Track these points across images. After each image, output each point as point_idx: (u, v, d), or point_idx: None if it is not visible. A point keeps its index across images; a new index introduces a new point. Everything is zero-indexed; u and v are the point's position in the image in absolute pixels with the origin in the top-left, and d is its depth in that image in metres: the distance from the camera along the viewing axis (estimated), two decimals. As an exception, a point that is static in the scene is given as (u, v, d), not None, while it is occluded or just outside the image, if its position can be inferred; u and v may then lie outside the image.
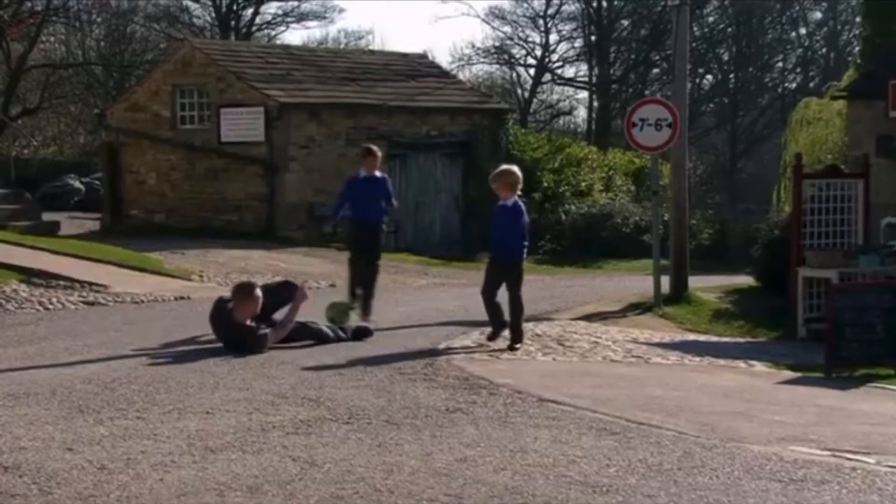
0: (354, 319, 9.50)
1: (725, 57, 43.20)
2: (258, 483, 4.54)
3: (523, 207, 8.72)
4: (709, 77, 43.66)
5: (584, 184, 24.45)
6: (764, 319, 11.49)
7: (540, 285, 14.70)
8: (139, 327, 9.60)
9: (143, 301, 11.78)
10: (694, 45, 34.90)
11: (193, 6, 37.50)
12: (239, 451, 5.05)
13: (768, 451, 5.45)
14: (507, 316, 8.68)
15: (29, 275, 12.25)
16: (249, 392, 6.49)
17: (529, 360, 8.30)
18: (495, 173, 8.71)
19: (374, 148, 10.84)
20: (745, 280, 14.12)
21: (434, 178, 22.27)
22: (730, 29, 42.05)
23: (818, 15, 43.79)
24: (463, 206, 22.42)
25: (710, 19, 41.83)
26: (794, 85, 43.24)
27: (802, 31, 43.67)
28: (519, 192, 8.66)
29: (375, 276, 10.43)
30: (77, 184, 25.19)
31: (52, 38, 34.18)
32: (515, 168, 8.76)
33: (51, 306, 10.98)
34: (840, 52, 41.85)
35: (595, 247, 21.53)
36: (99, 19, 33.57)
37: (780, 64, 44.10)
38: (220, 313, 8.29)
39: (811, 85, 39.27)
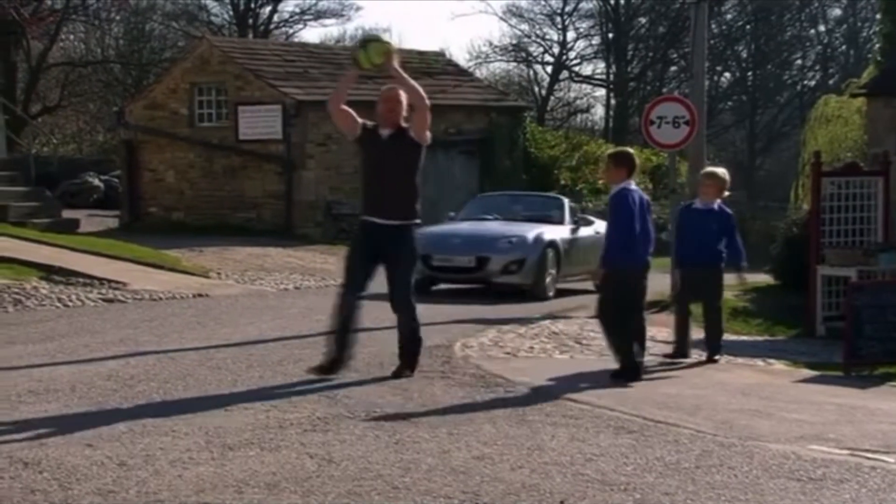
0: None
1: (744, 54, 42.98)
2: (276, 480, 4.56)
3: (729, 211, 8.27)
4: (727, 74, 43.45)
5: (601, 182, 24.39)
6: (782, 318, 11.43)
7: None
8: (157, 324, 9.65)
9: (161, 298, 11.83)
10: (712, 42, 34.76)
11: (212, 4, 37.63)
12: (257, 448, 5.07)
13: (787, 449, 5.43)
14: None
15: (49, 272, 12.33)
16: (266, 389, 6.51)
17: (546, 359, 8.29)
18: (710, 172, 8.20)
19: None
20: (763, 278, 14.06)
21: (451, 175, 22.27)
22: (748, 26, 41.84)
23: (837, 12, 43.53)
24: (480, 203, 22.41)
25: (729, 16, 41.63)
26: (813, 82, 42.98)
27: (821, 28, 43.40)
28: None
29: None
30: (96, 181, 25.30)
31: (71, 37, 34.38)
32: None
33: (70, 303, 11.04)
34: (859, 49, 41.56)
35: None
36: (118, 17, 33.70)
37: (799, 61, 43.84)
38: None
39: (830, 82, 39.02)
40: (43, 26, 27.25)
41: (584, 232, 14.19)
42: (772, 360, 8.81)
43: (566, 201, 15.02)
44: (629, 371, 7.21)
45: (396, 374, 6.98)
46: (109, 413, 5.76)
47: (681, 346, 8.28)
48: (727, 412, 6.32)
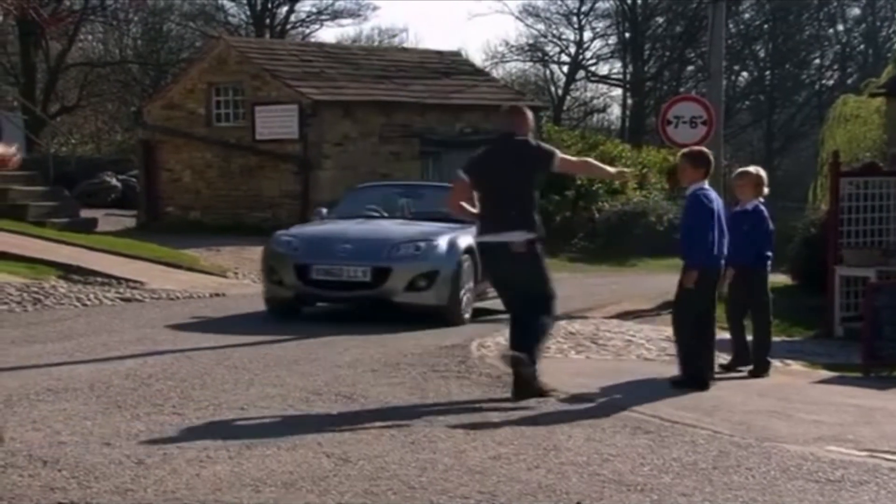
0: None
1: (762, 54, 42.79)
2: (293, 479, 4.57)
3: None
4: (744, 74, 43.27)
5: (617, 181, 24.32)
6: (800, 318, 11.38)
7: (573, 283, 14.66)
8: (175, 324, 9.68)
9: (178, 297, 11.88)
10: (729, 41, 34.60)
11: (229, 4, 37.75)
12: (274, 447, 5.08)
13: (805, 450, 5.41)
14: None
15: (67, 271, 12.40)
16: (284, 388, 6.53)
17: (563, 359, 8.28)
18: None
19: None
20: (780, 278, 14.01)
21: (467, 175, 22.23)
22: (766, 25, 41.64)
23: (856, 11, 43.27)
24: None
25: (746, 16, 41.43)
26: (831, 82, 42.73)
27: (840, 27, 43.14)
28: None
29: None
30: (114, 181, 25.42)
31: (89, 37, 34.57)
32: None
33: (88, 302, 11.10)
34: (878, 49, 41.32)
35: (629, 245, 21.44)
36: (136, 18, 33.87)
37: (818, 61, 43.60)
38: None
39: (849, 82, 38.80)
40: (62, 27, 27.40)
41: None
42: (789, 361, 8.77)
43: None
44: (692, 380, 6.89)
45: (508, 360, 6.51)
46: (127, 412, 5.78)
47: (740, 355, 7.89)
48: (744, 413, 6.30)
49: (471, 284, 10.19)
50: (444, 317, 9.84)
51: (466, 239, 9.90)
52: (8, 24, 27.78)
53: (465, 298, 10.12)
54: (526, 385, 6.41)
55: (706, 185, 7.15)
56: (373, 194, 12.07)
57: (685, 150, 7.56)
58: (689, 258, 7.02)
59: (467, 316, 10.15)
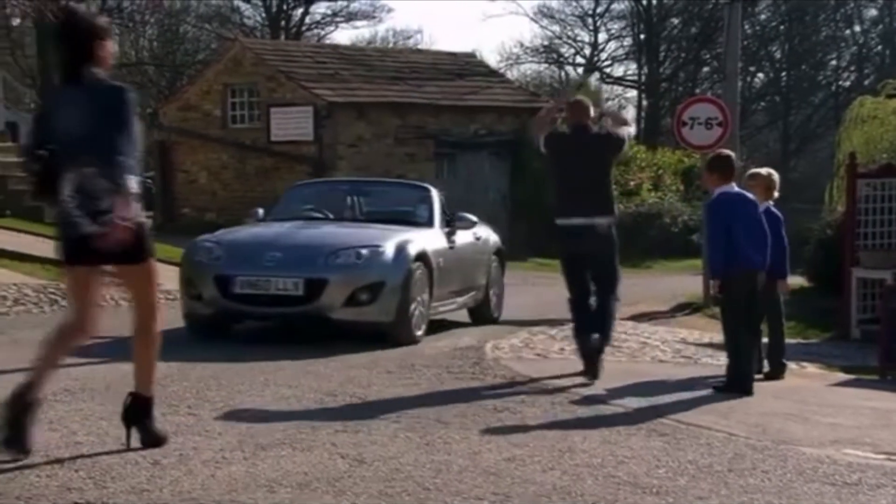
0: None
1: (778, 55, 42.63)
2: (308, 480, 4.58)
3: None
4: (760, 75, 43.11)
5: (632, 183, 24.27)
6: (816, 320, 11.34)
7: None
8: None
9: (194, 298, 11.90)
10: (745, 42, 34.48)
11: (244, 6, 37.84)
12: (289, 448, 5.09)
13: (821, 453, 5.38)
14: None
15: (83, 272, 12.43)
16: (298, 390, 6.54)
17: (577, 361, 8.26)
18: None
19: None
20: (796, 281, 13.96)
21: (482, 176, 22.26)
22: (782, 26, 41.49)
23: (873, 12, 43.06)
24: (511, 205, 22.38)
25: (762, 17, 41.29)
26: (848, 83, 42.53)
27: (857, 28, 42.95)
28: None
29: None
30: (130, 182, 25.56)
31: (106, 39, 34.71)
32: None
33: (105, 303, 11.11)
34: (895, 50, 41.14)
35: (643, 246, 21.40)
36: (152, 20, 34.01)
37: (834, 62, 43.41)
38: None
39: (866, 83, 38.59)
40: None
41: (462, 238, 9.85)
42: (805, 364, 8.74)
43: (435, 193, 10.02)
44: (733, 384, 6.85)
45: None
46: (143, 412, 5.79)
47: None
48: (760, 415, 6.28)
49: (425, 296, 8.83)
50: (390, 335, 8.44)
51: (419, 243, 8.90)
52: (25, 27, 27.93)
53: (416, 313, 8.69)
54: (599, 364, 7.22)
55: (733, 187, 7.08)
56: (316, 192, 10.73)
57: (713, 154, 7.58)
58: (710, 266, 7.12)
59: (420, 333, 8.75)
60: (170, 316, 8.51)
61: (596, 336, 7.20)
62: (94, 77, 4.74)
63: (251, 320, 9.03)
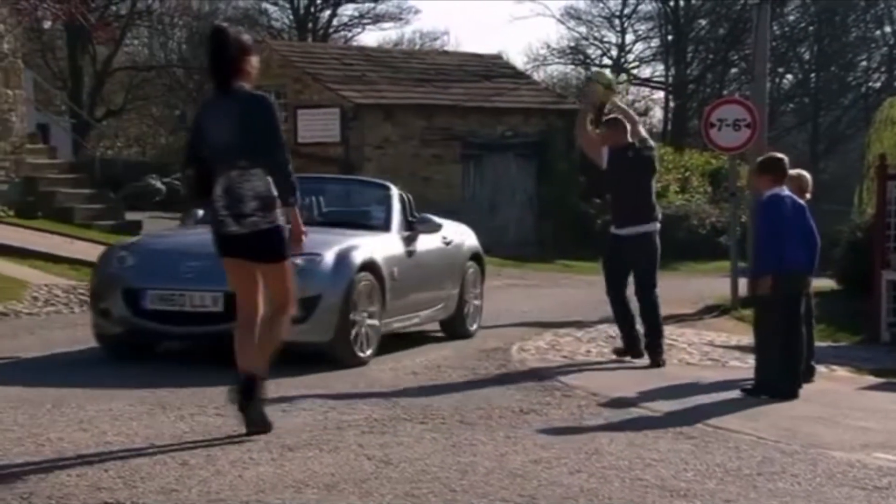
0: None
1: (807, 56, 42.31)
2: (334, 481, 4.59)
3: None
4: (789, 76, 42.81)
5: (659, 185, 24.17)
6: (845, 323, 11.24)
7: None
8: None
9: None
10: (774, 44, 34.25)
11: (272, 9, 38.02)
12: (315, 449, 5.11)
13: (851, 457, 5.34)
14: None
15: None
16: (325, 391, 6.56)
17: (603, 363, 8.24)
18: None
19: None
20: (826, 283, 13.84)
21: (508, 178, 22.25)
22: (811, 27, 41.17)
23: (904, 12, 42.65)
24: (537, 206, 22.35)
25: (791, 18, 40.99)
26: (878, 84, 42.12)
27: (887, 28, 42.53)
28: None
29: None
30: (158, 184, 25.70)
31: (135, 42, 35.03)
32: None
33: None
34: (927, 51, 40.73)
35: (670, 248, 21.22)
36: (180, 22, 34.25)
37: (864, 63, 43.02)
38: None
39: (896, 84, 38.30)
40: (109, 32, 27.80)
41: (426, 243, 8.72)
42: (835, 367, 8.67)
43: (395, 192, 8.82)
44: (762, 386, 6.82)
45: (652, 364, 8.01)
46: (172, 413, 5.84)
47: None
48: (789, 419, 6.23)
49: (373, 310, 7.70)
50: (328, 356, 7.38)
51: (367, 250, 7.73)
52: (56, 30, 28.23)
53: (362, 331, 7.58)
54: (642, 347, 8.12)
55: (784, 190, 7.04)
56: None
57: (763, 157, 7.54)
58: (759, 264, 7.09)
59: (368, 353, 7.62)
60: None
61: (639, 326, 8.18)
62: (240, 89, 5.26)
63: (166, 340, 7.80)
